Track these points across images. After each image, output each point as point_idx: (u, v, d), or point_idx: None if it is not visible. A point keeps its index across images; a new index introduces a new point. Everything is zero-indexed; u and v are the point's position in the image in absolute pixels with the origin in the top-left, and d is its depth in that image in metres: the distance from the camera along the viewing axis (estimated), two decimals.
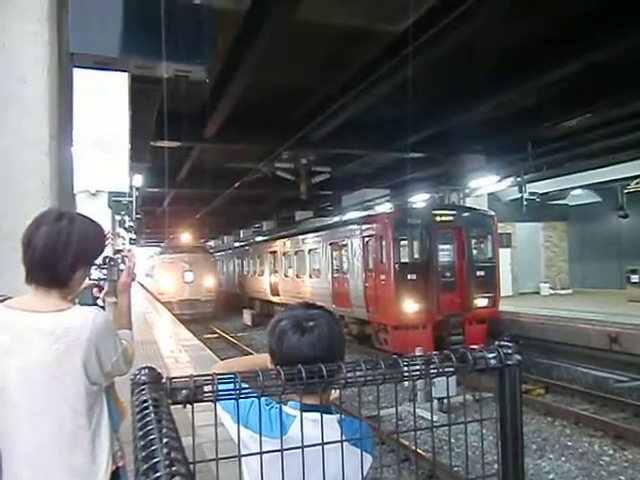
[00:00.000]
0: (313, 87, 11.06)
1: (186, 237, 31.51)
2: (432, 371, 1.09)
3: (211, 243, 43.37)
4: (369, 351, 14.56)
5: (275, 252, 23.56)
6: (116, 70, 4.55)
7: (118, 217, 13.83)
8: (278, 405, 1.38)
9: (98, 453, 1.77)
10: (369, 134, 13.82)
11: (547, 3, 7.99)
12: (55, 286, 1.78)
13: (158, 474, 0.64)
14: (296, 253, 20.79)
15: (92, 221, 1.92)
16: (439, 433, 6.83)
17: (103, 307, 2.62)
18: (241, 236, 35.40)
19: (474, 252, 14.19)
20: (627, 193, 18.97)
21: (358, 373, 1.05)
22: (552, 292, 21.26)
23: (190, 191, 20.60)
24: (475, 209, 15.24)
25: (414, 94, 8.53)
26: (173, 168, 16.30)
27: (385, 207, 19.26)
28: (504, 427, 1.13)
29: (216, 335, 20.98)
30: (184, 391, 0.95)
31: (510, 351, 1.13)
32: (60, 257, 1.76)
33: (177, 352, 10.84)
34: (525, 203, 16.68)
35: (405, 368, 1.08)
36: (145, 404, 0.84)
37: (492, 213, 14.99)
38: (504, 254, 18.42)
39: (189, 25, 4.39)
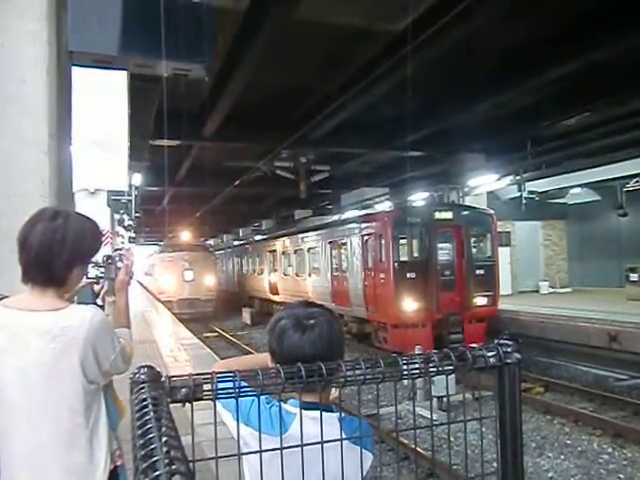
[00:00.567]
0: (312, 86, 11.05)
1: (186, 235, 31.29)
2: (431, 370, 1.09)
3: (211, 242, 43.35)
4: (368, 350, 14.56)
5: (274, 251, 23.56)
6: (115, 69, 4.55)
7: (117, 216, 13.82)
8: (278, 403, 1.39)
9: (96, 452, 1.76)
10: (368, 133, 13.81)
11: (547, 3, 7.98)
12: (51, 285, 1.77)
13: (157, 472, 0.64)
14: (295, 252, 20.79)
15: (88, 219, 1.91)
16: (438, 431, 6.82)
17: (102, 306, 2.62)
18: (240, 235, 35.39)
19: (473, 251, 14.20)
20: (626, 192, 18.98)
21: (357, 372, 1.05)
22: (551, 290, 21.28)
23: (189, 190, 20.58)
24: (474, 208, 15.23)
25: (413, 93, 8.52)
26: (172, 167, 16.29)
27: (384, 206, 19.26)
28: (503, 425, 1.13)
29: (215, 334, 20.98)
30: (183, 390, 0.95)
31: (509, 349, 1.13)
32: (56, 255, 1.75)
33: (176, 351, 10.84)
34: (524, 202, 16.67)
35: (404, 367, 1.08)
36: (144, 403, 0.84)
37: (491, 212, 14.99)
38: (503, 253, 18.43)
39: (188, 23, 4.39)
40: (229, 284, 33.48)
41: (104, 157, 4.60)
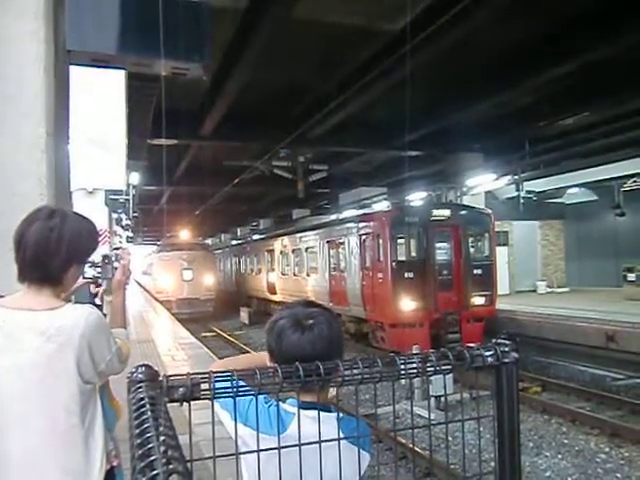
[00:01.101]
0: (311, 85, 11.05)
1: (185, 234, 31.04)
2: (429, 369, 1.09)
3: (208, 241, 43.34)
4: (366, 349, 14.57)
5: (272, 250, 23.55)
6: (113, 68, 4.54)
7: (115, 215, 13.83)
8: (277, 402, 1.38)
9: (92, 453, 1.75)
10: (367, 132, 13.82)
11: (545, 2, 7.99)
12: (47, 284, 1.76)
13: (155, 472, 0.64)
14: (293, 251, 20.79)
15: (85, 218, 1.90)
16: (436, 431, 6.81)
17: (100, 306, 2.61)
18: (238, 234, 35.35)
19: (471, 250, 14.20)
20: (624, 191, 19.01)
21: (355, 371, 1.05)
22: (549, 290, 21.30)
23: (187, 189, 20.57)
24: (472, 207, 15.24)
25: (412, 92, 8.53)
26: (170, 166, 16.26)
27: (382, 205, 19.26)
28: (501, 425, 1.13)
29: (213, 333, 20.96)
30: (181, 389, 0.95)
31: (507, 349, 1.13)
32: (52, 254, 1.74)
33: (174, 350, 10.84)
34: (522, 201, 16.70)
35: (402, 366, 1.08)
36: (142, 402, 0.84)
37: (489, 211, 15.00)
38: (501, 252, 18.44)
39: (187, 22, 4.37)
40: (227, 284, 33.46)
41: (102, 156, 4.60)
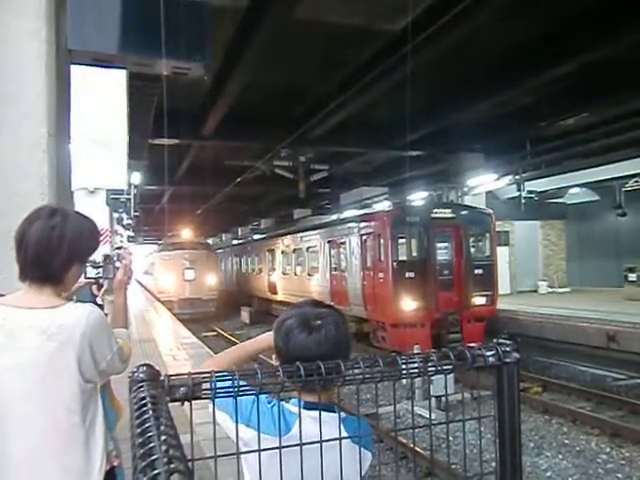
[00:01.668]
0: (312, 85, 11.05)
1: (187, 233, 30.80)
2: (430, 369, 1.09)
3: (210, 241, 43.36)
4: (367, 349, 14.57)
5: (273, 250, 23.55)
6: (114, 67, 4.53)
7: (116, 215, 13.83)
8: (279, 402, 1.38)
9: (92, 452, 1.75)
10: (368, 132, 13.82)
11: (546, 3, 7.99)
12: (48, 282, 1.76)
13: (156, 471, 0.64)
14: (294, 251, 20.80)
15: (86, 217, 1.90)
16: (437, 431, 6.82)
17: (102, 305, 2.61)
18: (239, 234, 35.32)
19: (472, 250, 14.21)
20: (625, 191, 18.99)
21: (356, 371, 1.05)
22: (550, 290, 21.28)
23: (189, 189, 20.57)
24: (473, 207, 15.24)
25: (413, 92, 8.52)
26: (172, 166, 16.27)
27: (383, 205, 19.25)
28: (502, 425, 1.13)
29: (214, 333, 20.96)
30: (182, 388, 0.95)
31: (508, 349, 1.13)
32: (53, 253, 1.73)
33: (175, 350, 10.84)
34: (523, 201, 16.67)
35: (403, 366, 1.08)
36: (143, 401, 0.84)
37: (490, 211, 14.99)
38: (502, 252, 18.44)
39: (188, 22, 4.37)
40: (228, 283, 33.46)
41: (103, 156, 4.59)
